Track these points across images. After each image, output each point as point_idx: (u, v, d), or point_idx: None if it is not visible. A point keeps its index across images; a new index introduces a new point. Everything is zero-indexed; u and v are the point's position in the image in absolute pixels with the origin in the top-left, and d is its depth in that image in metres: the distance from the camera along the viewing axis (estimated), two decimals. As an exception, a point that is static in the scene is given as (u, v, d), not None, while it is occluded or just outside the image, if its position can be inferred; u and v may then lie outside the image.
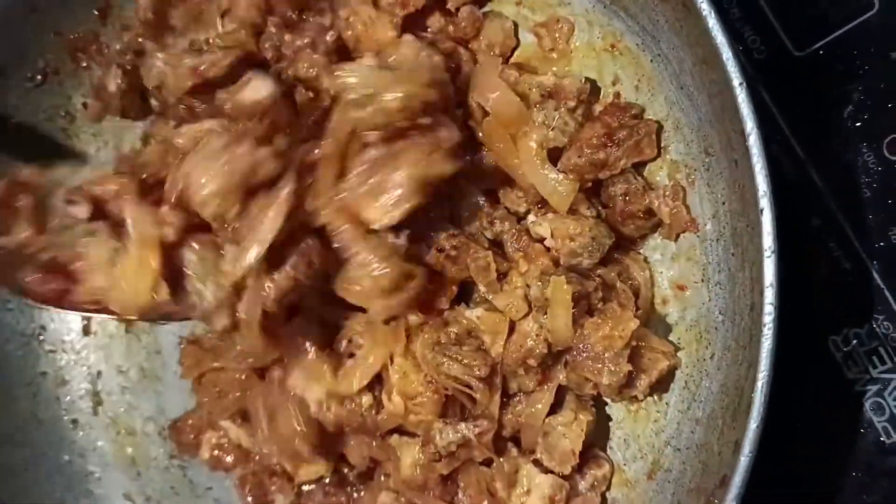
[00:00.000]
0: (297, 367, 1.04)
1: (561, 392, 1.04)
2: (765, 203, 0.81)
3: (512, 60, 1.12)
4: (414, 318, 1.03)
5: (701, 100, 0.95)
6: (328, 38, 1.07)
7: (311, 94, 1.02)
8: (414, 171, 0.93)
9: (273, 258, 0.91)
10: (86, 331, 1.31)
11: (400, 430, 1.07)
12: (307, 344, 1.04)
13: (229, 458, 1.19)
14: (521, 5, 1.13)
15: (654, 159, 1.04)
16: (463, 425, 1.00)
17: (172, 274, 0.90)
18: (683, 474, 0.97)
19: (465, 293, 1.07)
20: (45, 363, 1.29)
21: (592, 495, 1.04)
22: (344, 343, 1.06)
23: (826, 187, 1.07)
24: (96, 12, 1.22)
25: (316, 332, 1.05)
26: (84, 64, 1.24)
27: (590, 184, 1.04)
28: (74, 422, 1.29)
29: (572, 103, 1.05)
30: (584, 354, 0.96)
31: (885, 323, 1.04)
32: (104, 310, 0.95)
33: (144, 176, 0.96)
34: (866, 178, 1.05)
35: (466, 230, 1.05)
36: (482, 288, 1.03)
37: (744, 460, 0.81)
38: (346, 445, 1.10)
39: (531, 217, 1.06)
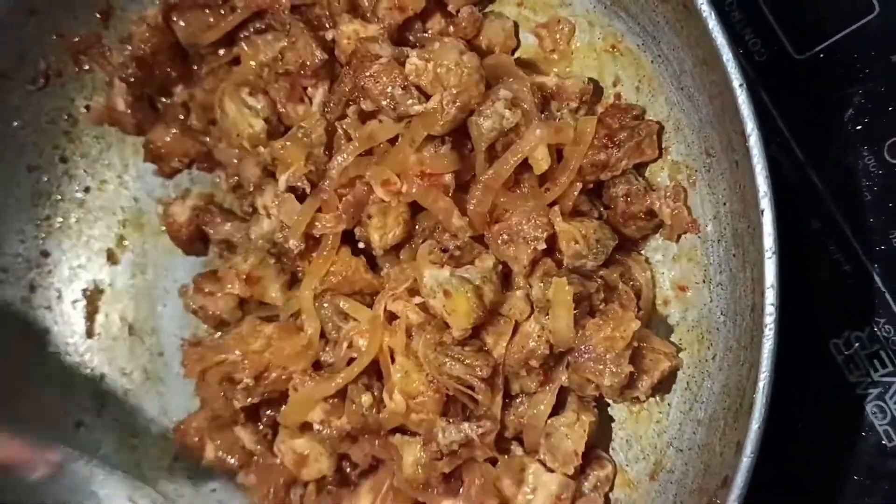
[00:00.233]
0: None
1: (563, 393, 1.04)
2: (765, 204, 0.81)
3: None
4: (415, 317, 1.03)
5: (701, 101, 0.95)
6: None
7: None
8: None
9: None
10: (89, 333, 1.31)
11: (402, 430, 1.07)
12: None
13: (233, 460, 1.20)
14: (523, 6, 1.13)
15: (655, 160, 1.04)
16: (466, 425, 1.00)
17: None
18: (686, 475, 0.97)
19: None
20: (50, 366, 1.29)
21: (595, 496, 1.04)
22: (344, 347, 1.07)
23: (827, 190, 1.07)
24: (98, 14, 1.23)
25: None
26: (86, 66, 1.25)
27: (591, 185, 1.04)
28: (78, 424, 1.29)
29: (574, 104, 1.05)
30: (586, 356, 0.96)
31: (886, 326, 1.04)
32: None
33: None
34: (867, 181, 1.05)
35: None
36: None
37: (746, 461, 0.81)
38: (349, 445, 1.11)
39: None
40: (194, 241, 1.25)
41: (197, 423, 1.21)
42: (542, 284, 0.99)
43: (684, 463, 0.99)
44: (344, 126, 1.08)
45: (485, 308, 0.98)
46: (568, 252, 1.00)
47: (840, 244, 1.06)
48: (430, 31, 1.11)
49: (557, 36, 1.10)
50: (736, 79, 0.83)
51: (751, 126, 0.82)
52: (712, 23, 0.84)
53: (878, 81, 1.05)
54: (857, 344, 1.05)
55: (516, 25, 1.12)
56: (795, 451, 1.06)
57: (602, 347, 0.96)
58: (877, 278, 1.04)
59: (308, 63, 1.09)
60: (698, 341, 1.00)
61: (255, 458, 1.19)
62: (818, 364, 1.06)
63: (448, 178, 1.02)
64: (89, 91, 1.27)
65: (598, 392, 1.00)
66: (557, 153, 1.02)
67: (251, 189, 1.17)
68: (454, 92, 0.99)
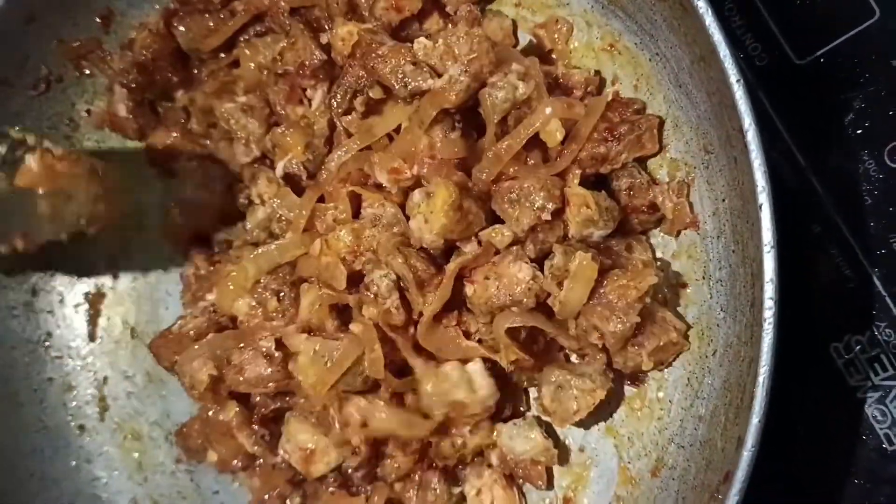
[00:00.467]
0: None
1: (588, 364, 1.04)
2: (763, 199, 0.82)
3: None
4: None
5: (699, 98, 0.95)
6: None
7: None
8: None
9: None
10: (91, 336, 1.31)
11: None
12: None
13: (237, 462, 1.20)
14: (520, 6, 1.14)
15: (654, 155, 1.04)
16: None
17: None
18: (687, 471, 0.98)
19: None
20: (52, 369, 1.29)
21: None
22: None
23: (827, 194, 1.07)
24: (98, 20, 1.23)
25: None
26: (87, 71, 1.25)
27: (592, 178, 1.04)
28: (81, 427, 1.29)
29: (580, 93, 1.05)
30: (597, 301, 0.97)
31: (886, 330, 1.04)
32: None
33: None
34: (867, 185, 1.05)
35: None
36: None
37: (746, 455, 0.81)
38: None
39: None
40: (194, 241, 1.25)
41: (199, 426, 1.21)
42: (564, 254, 0.98)
43: (686, 459, 0.99)
44: (344, 124, 1.09)
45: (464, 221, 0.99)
46: (578, 218, 0.99)
47: (840, 248, 1.06)
48: (427, 32, 1.11)
49: (556, 36, 1.11)
50: (733, 75, 0.83)
51: (748, 122, 0.82)
52: (709, 19, 0.85)
53: (879, 85, 1.05)
54: (857, 347, 1.05)
55: (514, 24, 1.13)
56: (796, 454, 1.06)
57: (615, 295, 0.96)
58: (877, 282, 1.05)
59: (307, 63, 1.09)
60: (699, 338, 1.00)
61: (258, 460, 1.19)
62: (819, 367, 1.06)
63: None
64: (90, 95, 1.27)
65: (602, 342, 0.99)
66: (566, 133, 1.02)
67: (247, 184, 1.18)
68: (466, 61, 0.99)
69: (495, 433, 1.08)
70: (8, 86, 1.21)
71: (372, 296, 1.01)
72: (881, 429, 1.04)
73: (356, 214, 1.08)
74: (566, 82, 1.06)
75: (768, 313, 0.82)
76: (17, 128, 1.06)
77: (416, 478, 1.10)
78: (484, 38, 1.00)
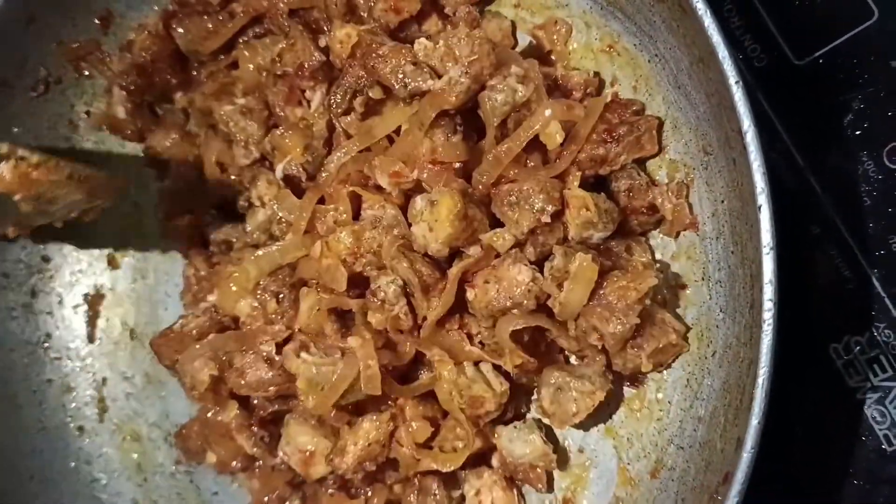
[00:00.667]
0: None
1: (587, 365, 1.03)
2: (763, 200, 0.82)
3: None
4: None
5: (698, 99, 0.95)
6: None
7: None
8: None
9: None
10: (90, 338, 1.31)
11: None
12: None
13: (236, 463, 1.20)
14: (519, 7, 1.14)
15: (654, 156, 1.05)
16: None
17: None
18: (687, 472, 0.97)
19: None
20: (51, 370, 1.29)
21: None
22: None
23: (826, 195, 1.07)
24: (97, 21, 1.23)
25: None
26: (86, 73, 1.26)
27: (592, 180, 1.04)
28: (80, 428, 1.29)
29: (579, 94, 1.05)
30: (596, 302, 0.97)
31: (885, 331, 1.04)
32: None
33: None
34: (866, 186, 1.05)
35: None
36: None
37: (746, 456, 0.81)
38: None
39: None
40: (194, 242, 1.25)
41: (198, 428, 1.21)
42: (564, 255, 0.98)
43: (685, 460, 0.99)
44: (343, 125, 1.09)
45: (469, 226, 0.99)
46: (578, 220, 0.99)
47: (840, 249, 1.06)
48: (426, 34, 1.11)
49: (555, 37, 1.11)
50: (732, 76, 0.83)
51: (747, 123, 0.82)
52: (708, 21, 0.85)
53: (878, 86, 1.05)
54: (856, 348, 1.05)
55: (513, 25, 1.13)
56: (795, 455, 1.06)
57: (614, 296, 0.96)
58: (876, 283, 1.05)
59: (306, 65, 1.09)
60: (698, 339, 1.00)
61: (257, 461, 1.19)
62: (818, 368, 1.06)
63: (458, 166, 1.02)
64: (89, 97, 1.27)
65: (601, 343, 0.99)
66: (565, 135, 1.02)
67: (247, 185, 1.18)
68: (467, 63, 0.99)
69: (496, 436, 1.07)
70: (7, 87, 1.21)
71: (379, 302, 1.01)
72: (880, 429, 1.04)
73: (356, 216, 1.08)
74: (565, 84, 1.06)
75: (767, 314, 0.82)
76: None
77: (416, 481, 1.09)
78: (485, 40, 1.01)
